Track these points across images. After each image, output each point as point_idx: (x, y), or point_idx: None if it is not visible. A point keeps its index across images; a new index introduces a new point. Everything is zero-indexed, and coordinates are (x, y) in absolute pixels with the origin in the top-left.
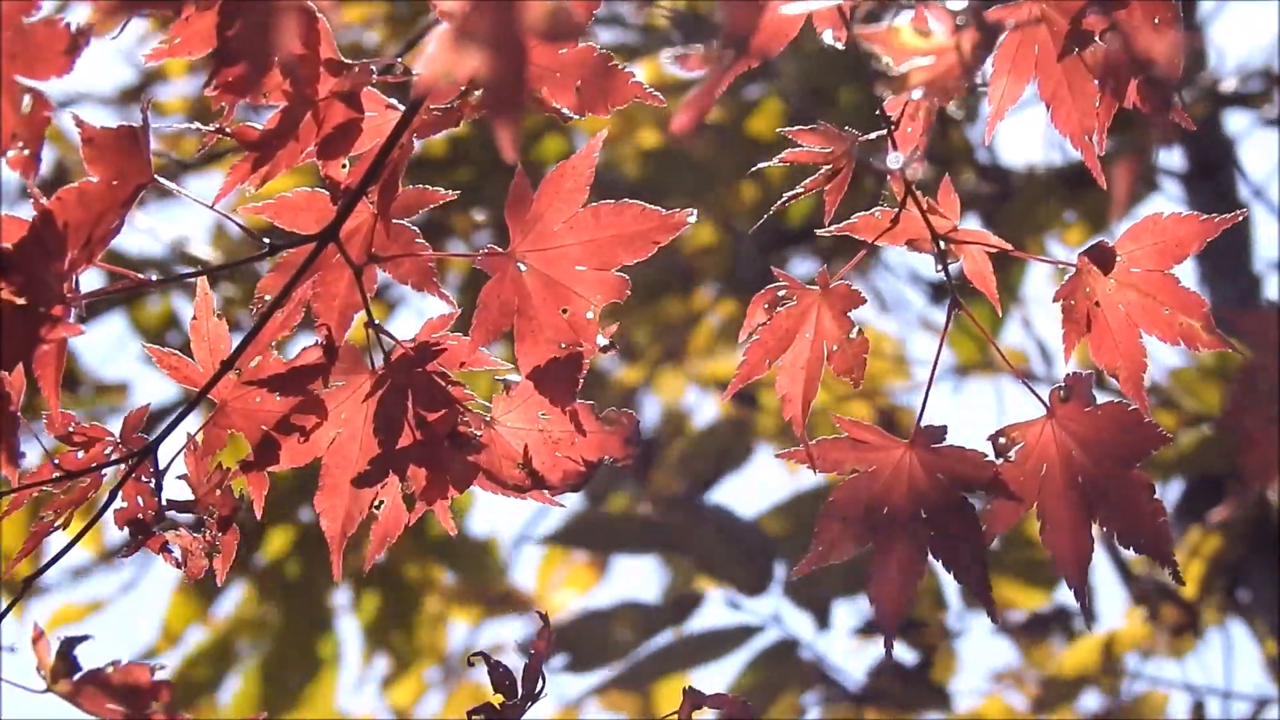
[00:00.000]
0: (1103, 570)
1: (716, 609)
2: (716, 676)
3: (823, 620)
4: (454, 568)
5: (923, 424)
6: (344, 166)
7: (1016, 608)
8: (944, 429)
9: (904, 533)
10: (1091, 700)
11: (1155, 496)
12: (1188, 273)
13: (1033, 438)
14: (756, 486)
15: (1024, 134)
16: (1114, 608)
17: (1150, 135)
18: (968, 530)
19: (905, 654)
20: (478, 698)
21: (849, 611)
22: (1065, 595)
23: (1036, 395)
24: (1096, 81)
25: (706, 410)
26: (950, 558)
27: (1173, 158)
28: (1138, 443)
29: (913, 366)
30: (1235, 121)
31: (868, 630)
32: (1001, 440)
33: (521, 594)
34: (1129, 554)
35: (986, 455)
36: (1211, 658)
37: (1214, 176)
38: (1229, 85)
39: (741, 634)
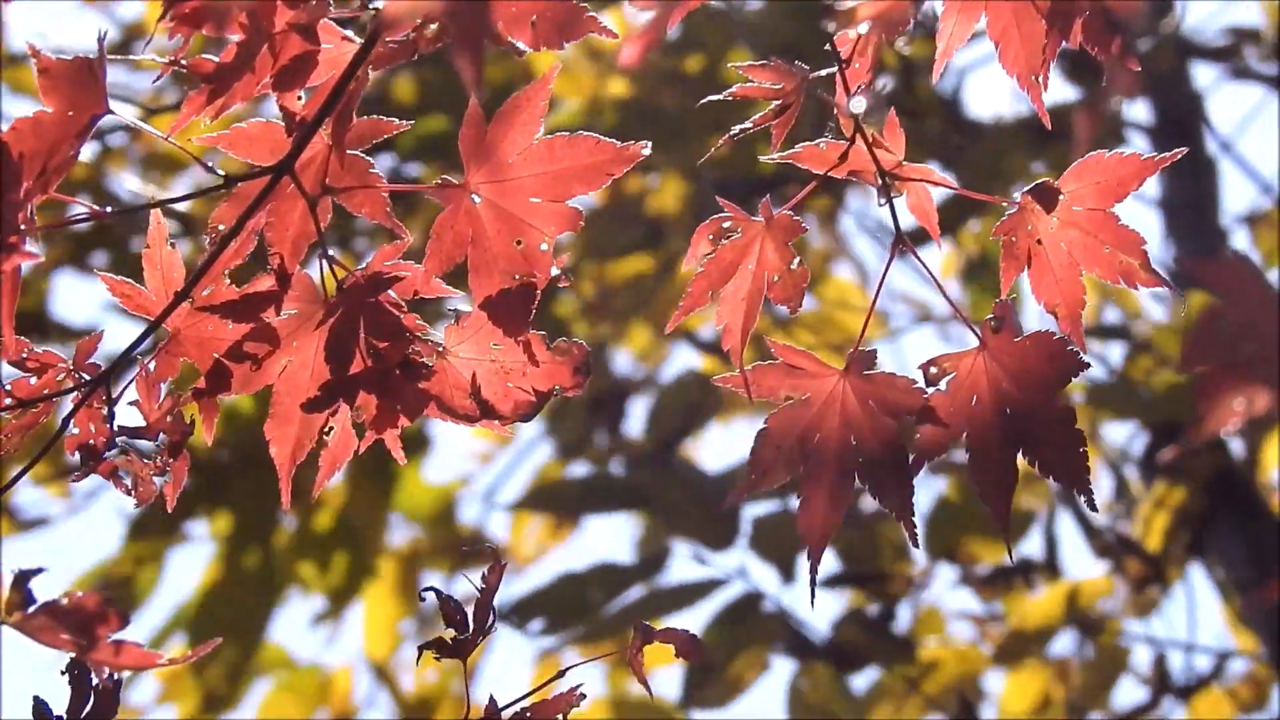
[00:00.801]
0: (1067, 524)
1: (684, 564)
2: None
3: (787, 573)
4: (416, 520)
5: (858, 350)
6: (299, 98)
7: (981, 561)
8: (874, 353)
9: (834, 459)
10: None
11: (1077, 426)
12: (1151, 228)
13: (964, 369)
14: (727, 440)
15: (994, 86)
16: (1081, 561)
17: (1111, 82)
18: (895, 457)
19: (870, 605)
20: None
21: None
22: (1030, 547)
23: (972, 329)
24: (1044, 21)
25: (678, 364)
26: (877, 484)
27: (1139, 111)
28: (1061, 370)
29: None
30: (1203, 76)
31: (833, 582)
32: (933, 370)
33: (495, 545)
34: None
35: (917, 383)
36: (1175, 611)
37: (1181, 130)
38: (1196, 39)
39: (707, 588)
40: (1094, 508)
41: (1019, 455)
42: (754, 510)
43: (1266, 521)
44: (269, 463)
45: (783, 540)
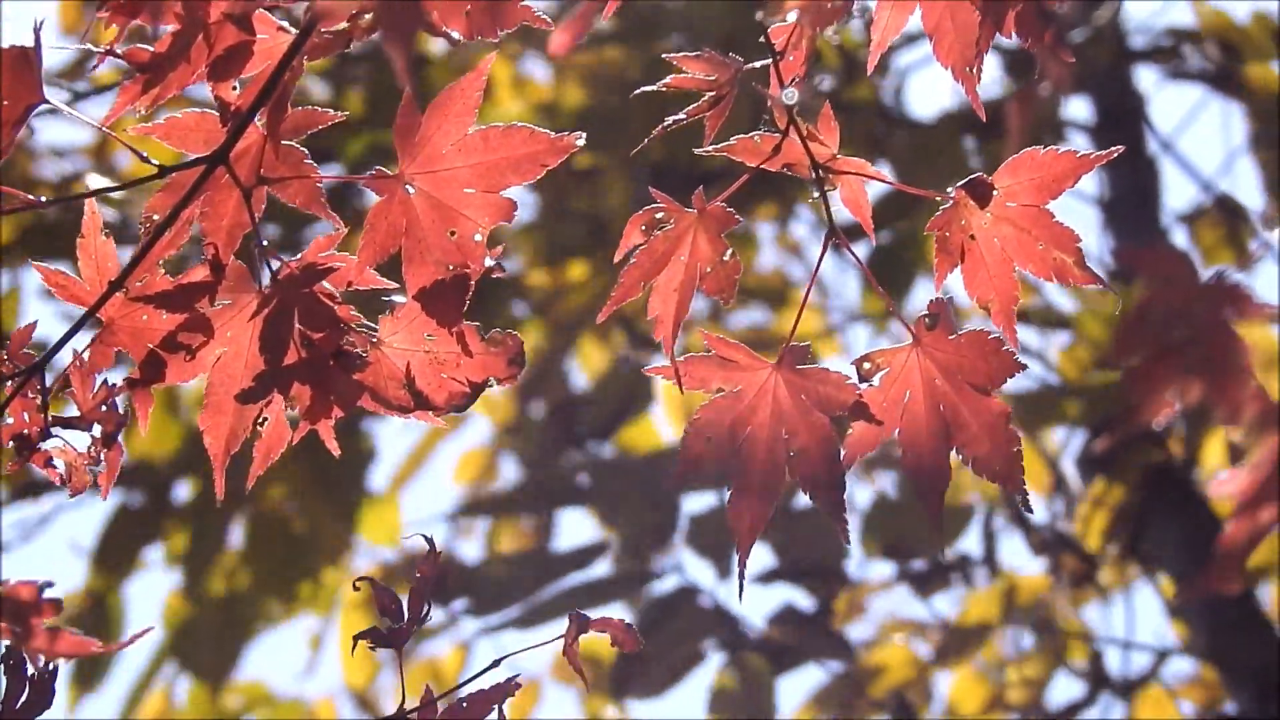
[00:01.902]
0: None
1: (620, 557)
2: None
3: (723, 568)
4: (382, 544)
5: (790, 344)
6: (234, 88)
7: (917, 556)
8: (807, 348)
9: (764, 452)
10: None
11: (1011, 425)
12: (1090, 226)
13: (898, 365)
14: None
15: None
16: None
17: (1044, 73)
18: (826, 452)
19: (804, 601)
20: (434, 673)
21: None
22: (968, 543)
23: (905, 325)
24: (977, 13)
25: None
26: (808, 478)
27: (1079, 110)
28: (997, 369)
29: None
30: (1144, 77)
31: (769, 577)
32: (866, 365)
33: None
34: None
35: (849, 378)
36: (1113, 608)
37: (1121, 129)
38: (1136, 39)
39: (641, 581)
40: (1028, 507)
41: (952, 452)
42: (692, 506)
43: (1204, 517)
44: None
45: (719, 536)
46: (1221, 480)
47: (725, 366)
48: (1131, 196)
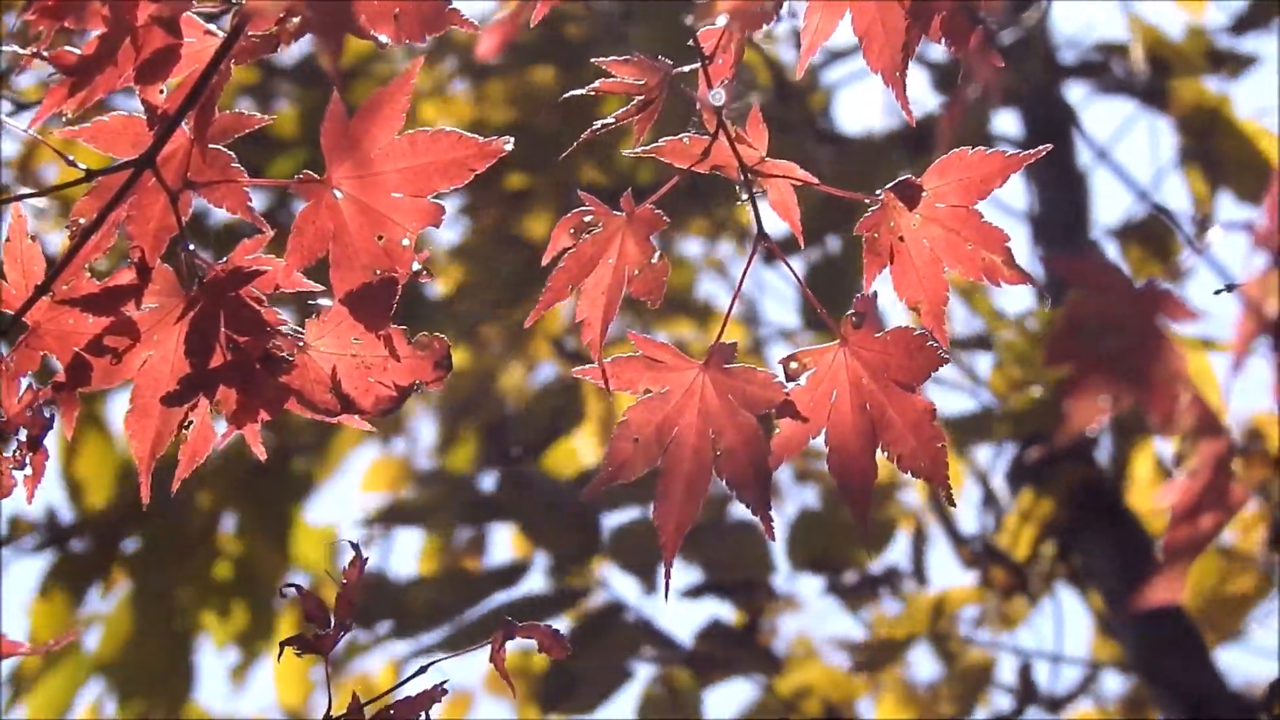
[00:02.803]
0: (935, 533)
1: (545, 574)
2: None
3: (649, 583)
4: (311, 567)
5: (718, 343)
6: (162, 92)
7: (846, 568)
8: (733, 346)
9: (691, 452)
10: (922, 661)
11: (936, 422)
12: (1019, 240)
13: (825, 364)
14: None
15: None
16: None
17: (972, 78)
18: (753, 451)
19: (730, 615)
20: (365, 688)
21: (677, 574)
22: (896, 555)
23: (830, 324)
24: (906, 17)
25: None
26: (734, 477)
27: (1009, 124)
28: (922, 366)
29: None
30: (1074, 92)
31: (696, 592)
32: (793, 365)
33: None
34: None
35: (776, 377)
36: (1042, 622)
37: (1051, 142)
38: (1066, 53)
39: (568, 598)
40: (952, 503)
41: (879, 451)
42: (615, 520)
43: (1133, 531)
44: (164, 518)
45: (644, 550)
46: (1160, 490)
47: (653, 367)
48: (1061, 212)
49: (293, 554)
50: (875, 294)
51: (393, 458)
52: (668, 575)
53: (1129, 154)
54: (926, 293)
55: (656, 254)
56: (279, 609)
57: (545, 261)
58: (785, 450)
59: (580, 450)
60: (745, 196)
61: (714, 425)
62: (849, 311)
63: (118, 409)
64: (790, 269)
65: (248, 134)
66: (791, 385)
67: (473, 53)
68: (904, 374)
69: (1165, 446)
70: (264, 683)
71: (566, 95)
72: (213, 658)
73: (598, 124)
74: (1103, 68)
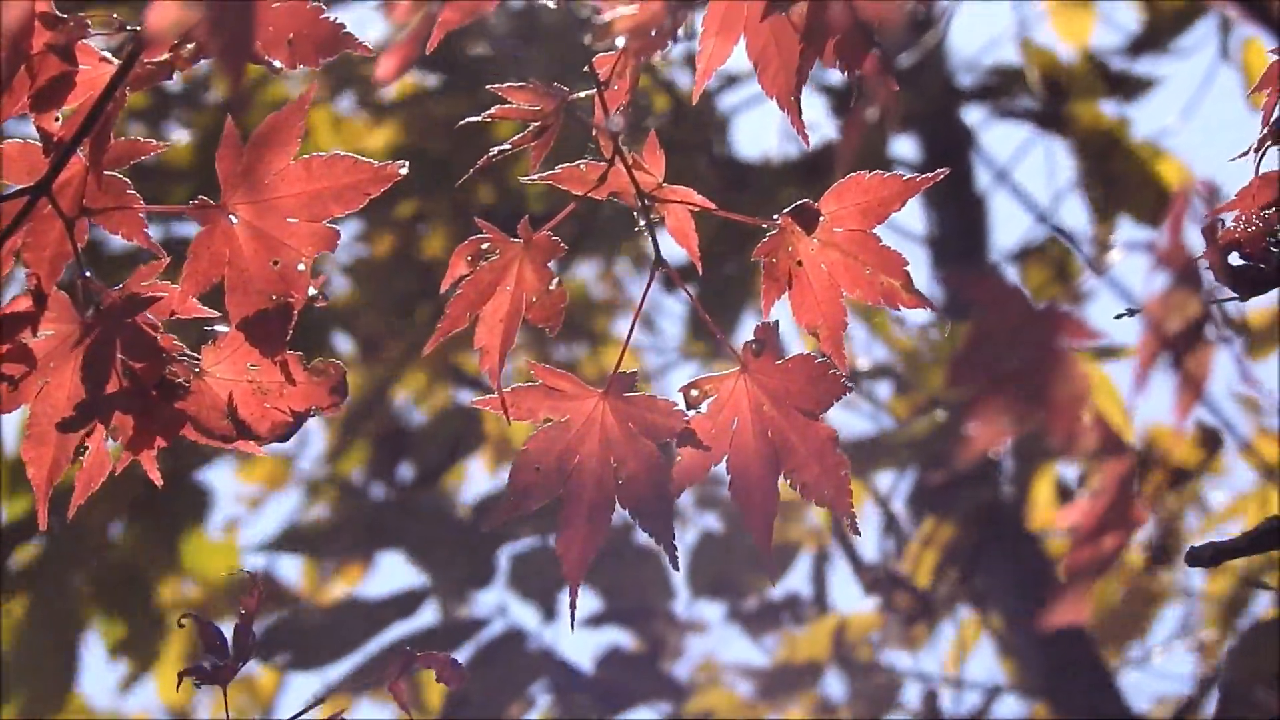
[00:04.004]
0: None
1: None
2: None
3: (549, 611)
4: (205, 577)
5: (617, 372)
6: (57, 119)
7: (747, 594)
8: (634, 375)
9: (593, 481)
10: (826, 686)
11: (838, 449)
12: (918, 264)
13: (726, 391)
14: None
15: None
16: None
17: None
18: (655, 479)
19: (631, 642)
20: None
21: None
22: (798, 582)
23: (732, 351)
24: (800, 41)
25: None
26: (636, 506)
27: (907, 148)
28: (824, 393)
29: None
30: (972, 116)
31: (597, 620)
32: (694, 393)
33: (288, 590)
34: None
35: (677, 405)
36: (944, 647)
37: (949, 167)
38: (964, 78)
39: (467, 627)
40: (856, 531)
41: (780, 479)
42: (513, 548)
43: (1034, 554)
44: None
45: (543, 578)
46: (1062, 510)
47: (552, 396)
48: (960, 235)
49: (189, 567)
50: (776, 322)
51: (272, 455)
52: (573, 604)
53: (1028, 177)
54: (825, 318)
55: (554, 281)
56: (169, 620)
57: (444, 288)
58: (687, 478)
59: (476, 475)
60: (642, 222)
61: (615, 454)
62: (749, 339)
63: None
64: (689, 295)
65: (146, 165)
66: (692, 413)
67: (370, 79)
68: (806, 401)
69: (1067, 470)
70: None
71: (463, 121)
72: (101, 663)
73: (494, 150)
74: (1000, 91)
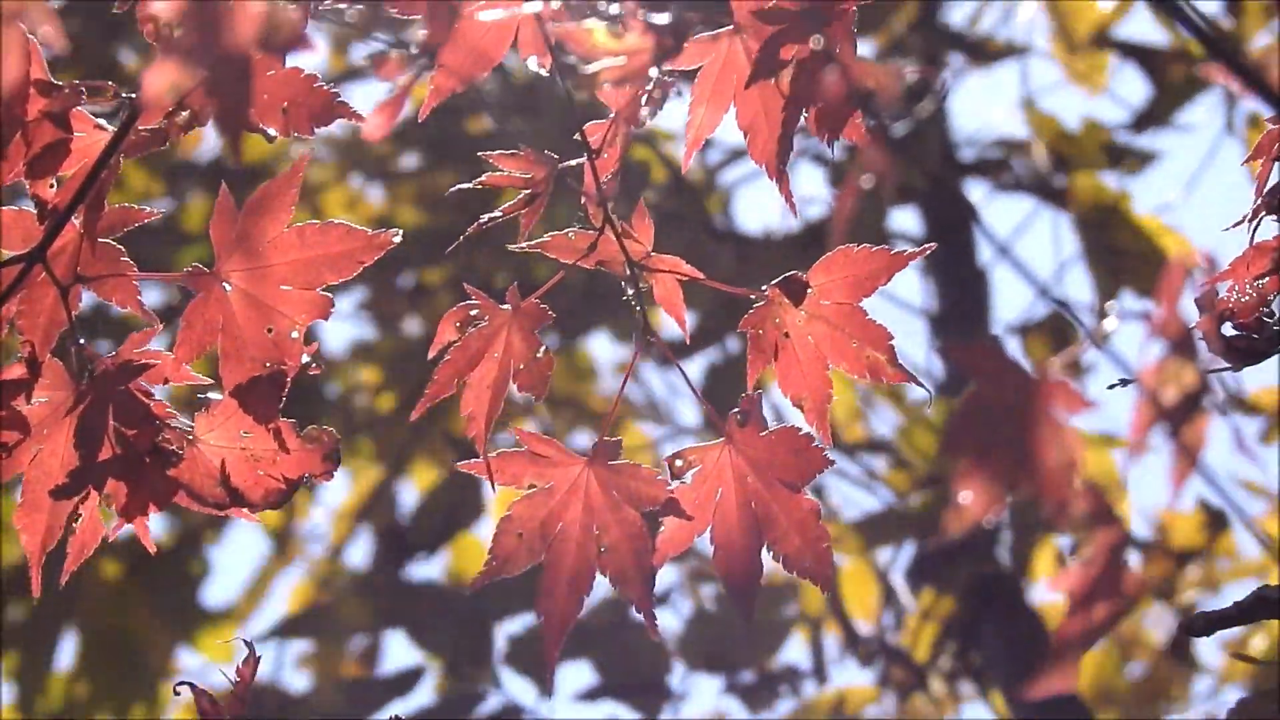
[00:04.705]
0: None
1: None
2: None
3: (545, 686)
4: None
5: (603, 440)
6: (52, 186)
7: (742, 667)
8: (619, 443)
9: (575, 547)
10: None
11: (820, 522)
12: (918, 337)
13: (710, 462)
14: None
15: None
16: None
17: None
18: (637, 548)
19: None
20: None
21: (575, 677)
22: (793, 656)
23: (716, 421)
24: (790, 110)
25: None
26: (618, 574)
27: (908, 221)
28: (806, 466)
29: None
30: (974, 190)
31: (592, 694)
32: (678, 463)
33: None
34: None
35: (661, 474)
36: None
37: (951, 241)
38: (966, 152)
39: (464, 703)
40: (839, 604)
41: (764, 550)
42: (510, 625)
43: (1033, 627)
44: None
45: (539, 652)
46: (1054, 579)
47: (537, 462)
48: (961, 308)
49: (187, 638)
50: (760, 393)
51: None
52: (551, 670)
53: (1031, 249)
54: (810, 390)
55: (542, 349)
56: (166, 689)
57: (431, 354)
58: (670, 548)
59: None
60: (631, 292)
61: (598, 521)
62: (733, 409)
63: None
64: (677, 366)
65: (155, 227)
66: (676, 483)
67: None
68: (789, 474)
69: (1065, 542)
70: None
71: (454, 189)
72: None
73: (484, 218)
74: (1001, 165)
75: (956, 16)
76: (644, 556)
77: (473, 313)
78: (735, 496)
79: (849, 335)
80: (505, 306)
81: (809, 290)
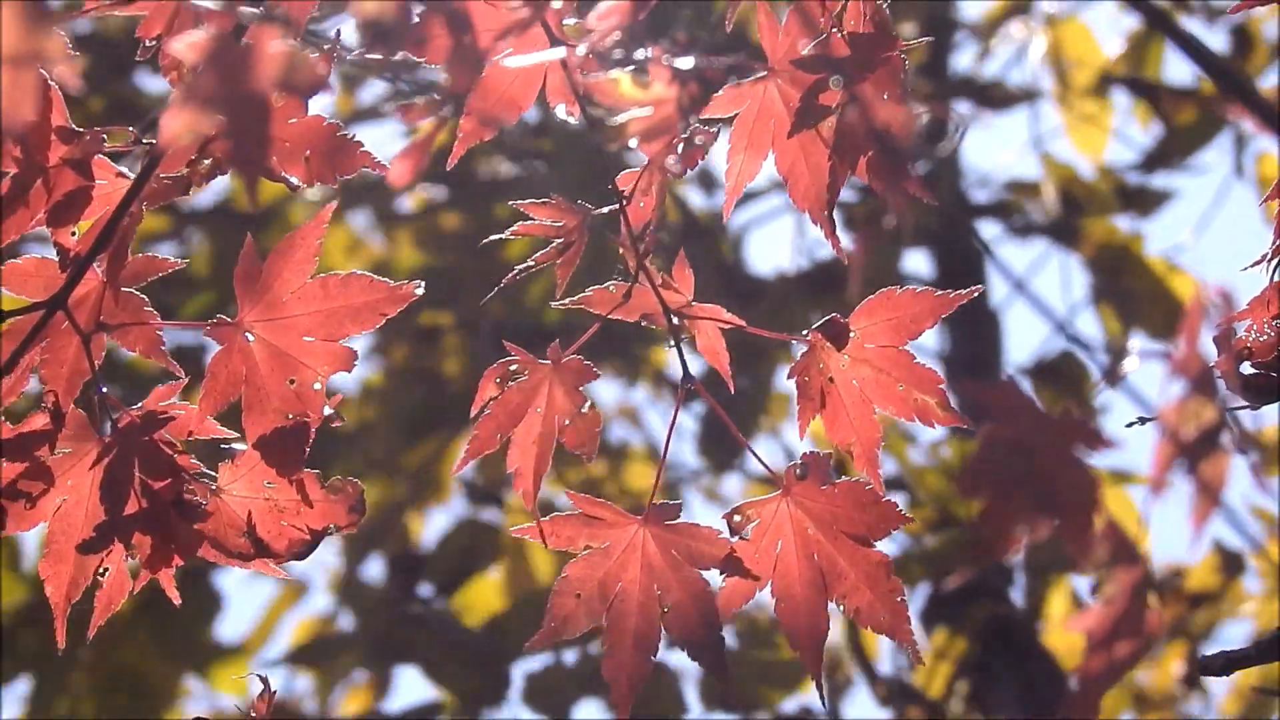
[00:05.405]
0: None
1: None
2: None
3: None
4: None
5: (656, 501)
6: (73, 234)
7: (759, 707)
8: (678, 506)
9: (638, 608)
10: None
11: (893, 575)
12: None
13: (768, 515)
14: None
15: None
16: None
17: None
18: (702, 608)
19: None
20: None
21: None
22: (809, 697)
23: (771, 472)
24: (830, 155)
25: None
26: (684, 634)
27: (920, 263)
28: (876, 520)
29: None
30: (986, 230)
31: None
32: (737, 518)
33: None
34: (874, 644)
35: (720, 533)
36: None
37: (963, 283)
38: (979, 194)
39: None
40: (918, 659)
41: (830, 603)
42: (527, 665)
43: (1046, 668)
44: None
45: (558, 693)
46: (1074, 618)
47: (591, 524)
48: (973, 350)
49: (200, 673)
50: (829, 454)
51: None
52: None
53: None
54: (859, 435)
55: (586, 404)
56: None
57: (473, 411)
58: (732, 604)
59: (492, 591)
60: (671, 342)
61: (659, 581)
62: (793, 462)
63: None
64: (719, 410)
65: (162, 275)
66: (735, 539)
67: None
68: (855, 526)
69: (1080, 583)
70: None
71: (486, 241)
72: None
73: (518, 268)
74: (1013, 207)
75: (964, 60)
76: (710, 616)
77: (512, 368)
78: (796, 549)
79: (895, 378)
80: (544, 361)
81: (851, 334)
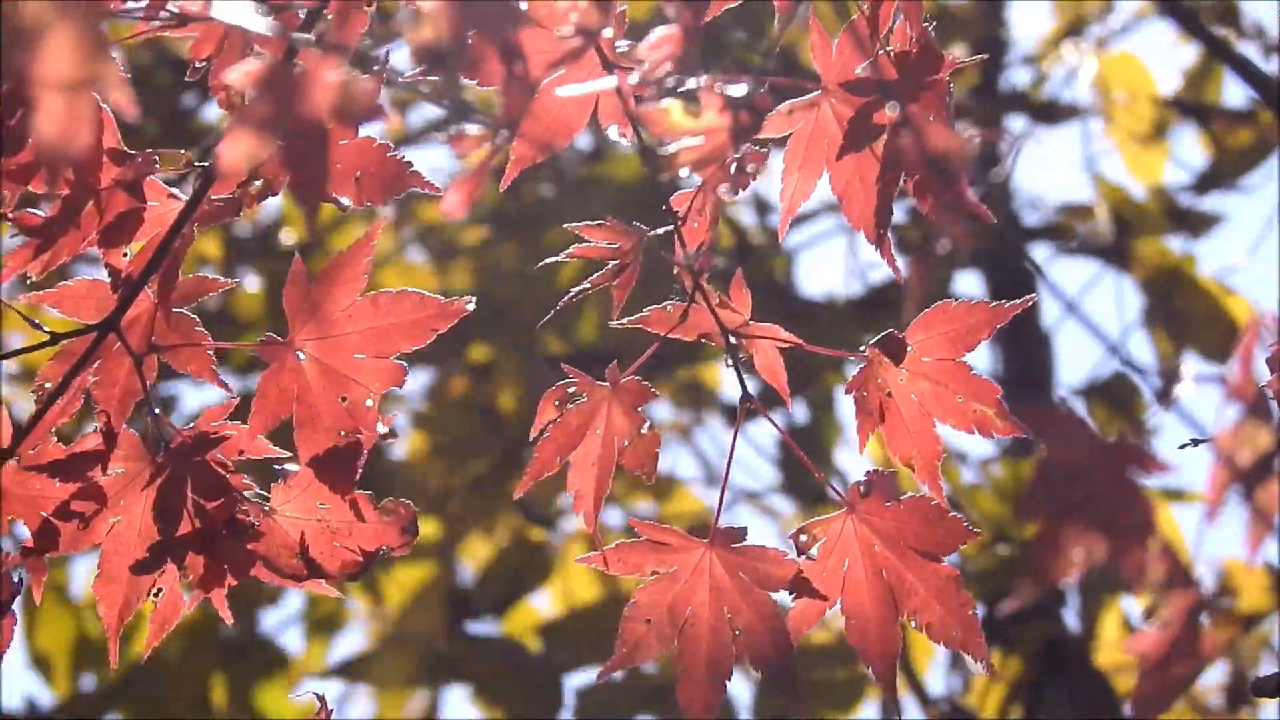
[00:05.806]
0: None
1: None
2: None
3: None
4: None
5: (721, 524)
6: (125, 255)
7: None
8: (744, 530)
9: (709, 632)
10: None
11: (964, 589)
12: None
13: (833, 534)
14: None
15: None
16: None
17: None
18: (773, 630)
19: None
20: None
21: None
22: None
23: (835, 491)
24: (880, 175)
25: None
26: (757, 656)
27: (971, 285)
28: (943, 535)
29: None
30: (1038, 252)
31: None
32: (803, 538)
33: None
34: (924, 665)
35: (787, 554)
36: None
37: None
38: (1030, 217)
39: None
40: (994, 673)
41: (900, 618)
42: (577, 681)
43: (1100, 690)
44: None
45: (609, 711)
46: (1130, 640)
47: (657, 549)
48: (1025, 371)
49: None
50: (893, 472)
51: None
52: None
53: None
54: (919, 448)
55: (645, 425)
56: None
57: (533, 434)
58: (803, 625)
59: (543, 610)
60: (729, 362)
61: (728, 604)
62: (857, 480)
63: (79, 577)
64: (781, 432)
65: (213, 314)
66: (802, 559)
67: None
68: (923, 543)
69: (1133, 605)
70: None
71: (541, 264)
72: None
73: (573, 290)
74: (1066, 228)
75: (1018, 79)
76: (782, 638)
77: (570, 390)
78: (864, 566)
79: (953, 391)
80: (603, 383)
81: (909, 348)
